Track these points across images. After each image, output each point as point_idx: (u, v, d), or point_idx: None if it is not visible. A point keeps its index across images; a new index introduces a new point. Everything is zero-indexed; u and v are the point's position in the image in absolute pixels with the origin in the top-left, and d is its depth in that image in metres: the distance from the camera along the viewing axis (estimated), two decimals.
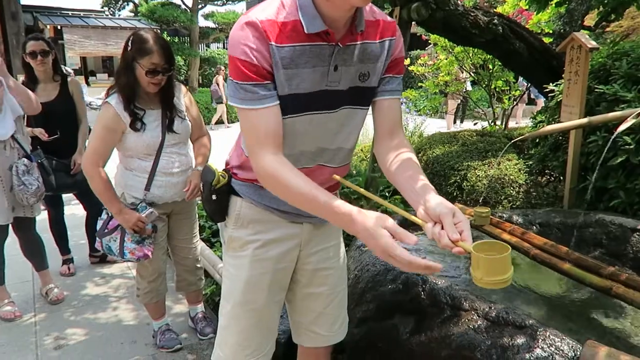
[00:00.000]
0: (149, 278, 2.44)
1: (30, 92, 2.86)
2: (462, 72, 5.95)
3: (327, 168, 1.34)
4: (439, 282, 1.62)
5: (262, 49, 1.11)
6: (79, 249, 3.75)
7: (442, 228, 1.00)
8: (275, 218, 1.38)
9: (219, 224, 1.48)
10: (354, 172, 4.30)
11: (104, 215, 2.35)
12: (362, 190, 1.24)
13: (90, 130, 3.35)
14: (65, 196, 3.51)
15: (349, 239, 2.85)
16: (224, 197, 1.40)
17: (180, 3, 14.08)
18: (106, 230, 2.31)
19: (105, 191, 2.23)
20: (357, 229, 1.03)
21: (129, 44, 2.15)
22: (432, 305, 1.60)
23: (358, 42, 1.20)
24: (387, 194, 3.53)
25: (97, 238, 2.34)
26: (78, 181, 3.33)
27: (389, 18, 1.29)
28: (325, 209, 1.08)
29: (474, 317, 1.49)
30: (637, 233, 2.08)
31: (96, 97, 10.79)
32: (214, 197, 1.39)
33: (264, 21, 1.12)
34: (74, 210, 3.89)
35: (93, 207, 3.55)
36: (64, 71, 3.44)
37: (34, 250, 3.07)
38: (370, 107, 1.34)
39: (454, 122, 10.93)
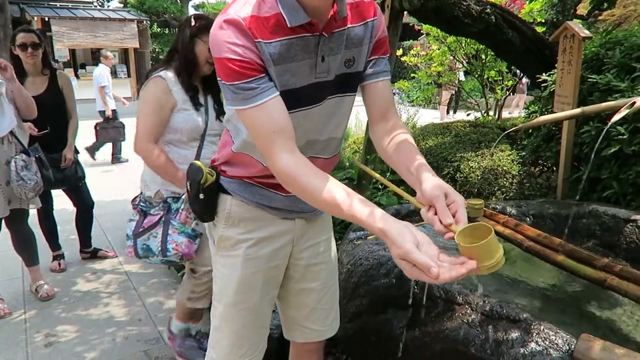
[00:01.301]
0: (206, 278, 2.17)
1: (31, 99, 2.83)
2: (456, 63, 5.93)
3: (319, 159, 1.30)
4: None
5: (248, 44, 1.06)
6: (69, 245, 3.71)
7: (436, 213, 0.98)
8: (267, 215, 1.34)
9: (206, 223, 1.43)
10: (347, 164, 4.28)
11: (134, 216, 2.15)
12: (383, 179, 1.24)
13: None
14: (53, 191, 3.46)
15: (341, 232, 2.83)
16: (212, 196, 1.35)
17: None
18: (142, 229, 2.09)
19: (167, 166, 2.06)
20: (383, 232, 0.95)
21: (193, 20, 2.07)
22: (426, 299, 1.58)
23: (342, 28, 1.16)
24: (380, 186, 3.51)
25: (131, 241, 2.12)
26: (67, 176, 3.29)
27: None
28: (346, 215, 1.02)
29: (468, 311, 1.48)
30: (630, 224, 2.08)
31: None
32: (201, 196, 1.34)
33: (247, 18, 1.07)
34: (64, 205, 3.83)
35: (82, 203, 3.53)
36: (53, 65, 3.39)
37: (25, 245, 3.04)
38: (359, 93, 1.30)
39: (447, 113, 10.92)
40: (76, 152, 3.38)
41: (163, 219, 2.09)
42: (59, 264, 3.46)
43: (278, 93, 1.10)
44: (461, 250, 0.91)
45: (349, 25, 1.18)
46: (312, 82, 1.17)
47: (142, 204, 2.17)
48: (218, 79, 1.12)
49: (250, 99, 1.08)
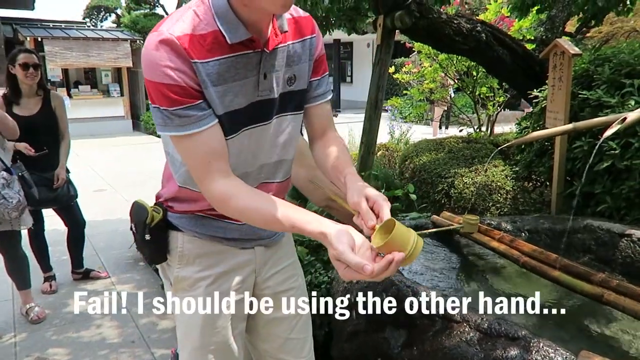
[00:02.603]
0: None
1: (9, 118, 2.81)
2: (448, 79, 5.98)
3: (271, 184, 1.25)
4: (430, 294, 1.59)
5: (184, 67, 0.99)
6: (60, 266, 3.66)
7: (361, 219, 1.00)
8: (224, 248, 1.25)
9: (159, 265, 1.32)
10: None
11: None
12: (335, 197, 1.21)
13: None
14: (44, 211, 3.42)
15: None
16: (161, 235, 1.25)
17: (163, 13, 14.04)
18: None
19: None
20: (324, 236, 0.97)
21: None
22: (423, 317, 1.57)
23: (283, 45, 1.13)
24: None
25: None
26: (59, 195, 3.27)
27: (304, 13, 1.21)
28: (287, 228, 1.03)
29: (466, 329, 1.47)
30: (625, 238, 2.08)
31: None
32: (147, 237, 1.23)
33: (181, 37, 0.99)
34: (55, 226, 3.79)
35: (73, 222, 3.49)
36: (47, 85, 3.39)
37: (18, 268, 2.99)
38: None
39: (440, 128, 10.99)
40: (67, 171, 3.36)
41: None
42: (50, 285, 3.41)
43: (216, 121, 1.05)
44: (381, 251, 0.94)
45: (289, 42, 1.15)
46: (256, 101, 1.12)
47: None
48: (150, 102, 1.06)
49: (186, 127, 1.02)
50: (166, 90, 0.99)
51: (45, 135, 3.16)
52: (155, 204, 1.30)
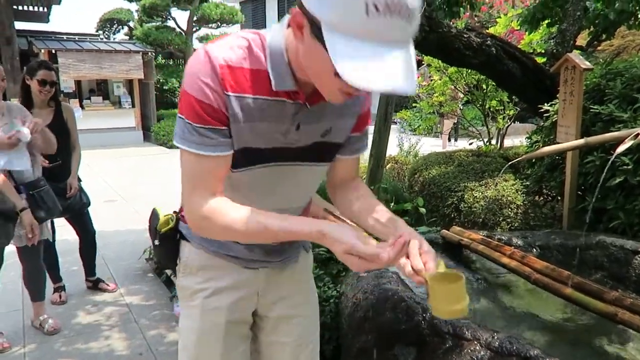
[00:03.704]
0: None
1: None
2: (458, 92, 5.98)
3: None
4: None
5: (220, 91, 0.99)
6: (70, 276, 3.68)
7: (407, 257, 0.99)
8: (227, 264, 1.24)
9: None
10: None
11: None
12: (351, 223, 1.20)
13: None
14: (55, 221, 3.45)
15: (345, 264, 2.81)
16: (169, 243, 1.28)
17: (175, 26, 14.22)
18: None
19: None
20: (322, 234, 0.97)
21: None
22: (434, 334, 1.55)
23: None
24: None
25: None
26: (72, 204, 3.30)
27: None
28: (282, 236, 1.02)
29: (477, 347, 1.45)
30: (639, 255, 2.05)
31: None
32: (156, 242, 1.28)
33: (224, 66, 0.98)
34: (64, 236, 3.82)
35: (85, 231, 3.52)
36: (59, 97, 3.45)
37: (36, 280, 3.01)
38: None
39: (449, 141, 10.96)
40: (79, 179, 3.41)
41: None
42: (60, 296, 3.42)
43: (231, 152, 1.04)
44: (430, 287, 0.94)
45: None
46: (280, 147, 1.09)
47: None
48: (178, 111, 1.05)
49: (202, 146, 1.01)
50: (197, 106, 0.99)
51: (58, 146, 3.20)
52: (173, 211, 1.32)
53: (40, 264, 3.00)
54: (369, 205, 1.18)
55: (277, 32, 1.01)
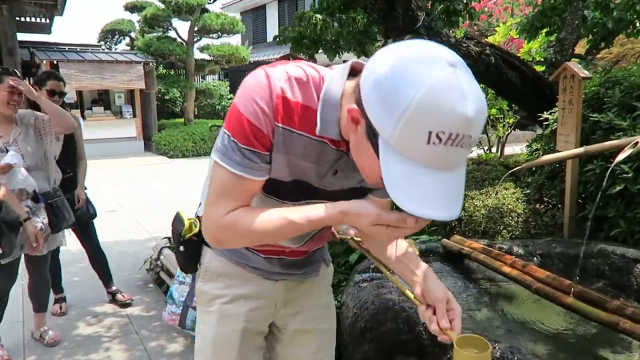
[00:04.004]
0: None
1: (61, 109, 2.84)
2: None
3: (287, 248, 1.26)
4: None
5: (272, 118, 0.97)
6: (71, 287, 3.67)
7: (434, 313, 1.01)
8: (247, 273, 1.26)
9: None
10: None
11: (185, 278, 1.94)
12: (378, 261, 1.22)
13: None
14: None
15: (346, 273, 2.79)
16: (193, 248, 1.28)
17: (176, 36, 14.28)
18: None
19: None
20: (344, 212, 0.96)
21: None
22: (435, 345, 1.54)
23: None
24: None
25: (177, 308, 1.91)
26: (80, 215, 3.31)
27: None
28: (307, 225, 1.00)
29: None
30: None
31: None
32: (181, 247, 1.28)
33: (280, 96, 0.96)
34: (67, 247, 3.81)
35: (90, 242, 3.52)
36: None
37: (41, 291, 3.01)
38: None
39: None
40: (85, 189, 3.43)
41: None
42: (60, 307, 3.42)
43: (266, 178, 1.03)
44: (456, 353, 0.95)
45: None
46: (314, 186, 1.09)
47: None
48: (224, 127, 1.03)
49: (242, 167, 0.99)
50: (248, 127, 0.97)
51: (65, 157, 3.21)
52: (196, 216, 1.31)
53: (47, 274, 3.01)
54: (394, 246, 1.19)
55: (337, 78, 0.98)
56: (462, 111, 0.78)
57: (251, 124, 0.97)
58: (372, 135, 0.85)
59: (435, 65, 0.79)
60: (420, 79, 0.78)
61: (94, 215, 3.49)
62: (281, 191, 1.08)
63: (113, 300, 3.58)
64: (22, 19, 10.77)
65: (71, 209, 3.19)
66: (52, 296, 3.42)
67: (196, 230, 1.26)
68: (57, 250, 3.40)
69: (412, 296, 1.08)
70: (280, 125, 0.98)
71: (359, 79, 0.90)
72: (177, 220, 1.30)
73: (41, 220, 2.71)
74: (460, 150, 0.81)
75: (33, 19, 11.20)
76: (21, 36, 11.14)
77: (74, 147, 3.33)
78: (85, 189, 3.45)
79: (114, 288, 3.61)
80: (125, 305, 3.51)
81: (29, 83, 2.84)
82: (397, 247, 1.19)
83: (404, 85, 0.79)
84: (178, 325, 1.89)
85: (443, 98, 0.78)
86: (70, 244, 3.57)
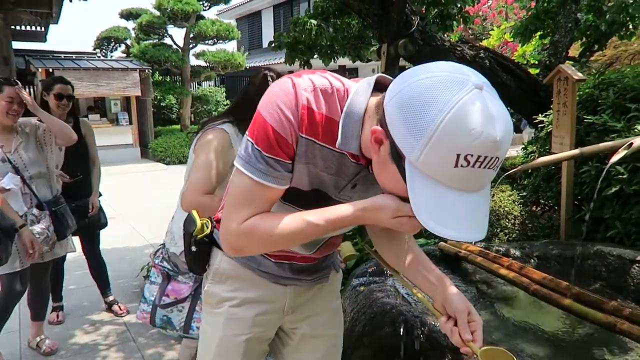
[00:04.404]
0: None
1: (64, 124, 2.83)
2: None
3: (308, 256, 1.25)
4: (439, 324, 1.57)
5: (296, 127, 0.97)
6: (68, 295, 3.65)
7: (456, 324, 1.00)
8: (257, 277, 1.25)
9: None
10: None
11: (156, 277, 1.94)
12: (396, 272, 1.21)
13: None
14: None
15: (344, 278, 2.79)
16: (204, 249, 1.28)
17: (172, 43, 14.30)
18: (168, 301, 1.88)
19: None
20: (365, 217, 0.96)
21: (269, 78, 1.85)
22: (432, 348, 1.54)
23: None
24: None
25: (148, 306, 1.91)
26: (91, 224, 3.31)
27: None
28: (327, 227, 0.99)
29: None
30: (637, 264, 2.05)
31: None
32: (193, 248, 1.27)
33: (305, 107, 0.96)
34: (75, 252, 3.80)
35: (93, 250, 3.50)
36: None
37: (40, 299, 2.98)
38: None
39: None
40: (99, 194, 3.42)
41: (193, 292, 1.87)
42: (57, 316, 3.39)
43: (287, 186, 1.03)
44: None
45: None
46: (331, 198, 1.09)
47: (166, 264, 1.93)
48: (246, 133, 1.02)
49: (265, 176, 0.98)
50: (272, 135, 0.96)
51: (77, 162, 3.22)
52: (208, 217, 1.31)
53: (48, 282, 2.99)
54: (411, 256, 1.18)
55: (361, 92, 0.98)
56: (489, 133, 0.77)
57: (276, 132, 0.96)
58: (397, 157, 0.85)
59: (461, 87, 0.79)
60: (447, 101, 0.78)
61: (105, 224, 3.47)
62: (299, 200, 1.07)
63: (109, 309, 3.55)
64: (18, 27, 10.76)
65: (83, 216, 3.19)
66: (50, 304, 3.40)
67: (208, 231, 1.26)
68: (63, 258, 3.38)
69: (432, 308, 1.08)
70: (304, 135, 0.97)
71: (383, 96, 0.89)
72: (189, 220, 1.30)
73: (47, 227, 2.70)
74: (488, 172, 0.81)
75: (28, 27, 11.18)
76: (16, 44, 11.13)
77: (86, 151, 3.31)
78: (100, 195, 3.43)
79: (111, 298, 3.57)
80: (121, 316, 3.48)
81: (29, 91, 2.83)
82: (414, 258, 1.18)
83: (430, 108, 0.78)
84: (149, 323, 1.92)
85: (470, 121, 0.77)
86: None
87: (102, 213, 3.45)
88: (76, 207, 3.13)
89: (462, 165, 0.78)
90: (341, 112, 0.97)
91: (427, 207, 0.82)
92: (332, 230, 1.01)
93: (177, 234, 1.95)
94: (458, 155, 0.78)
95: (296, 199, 1.07)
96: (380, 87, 0.97)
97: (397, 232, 1.21)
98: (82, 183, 3.23)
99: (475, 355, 0.96)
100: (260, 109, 0.99)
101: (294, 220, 1.00)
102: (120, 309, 3.51)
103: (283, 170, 0.99)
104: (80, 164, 3.25)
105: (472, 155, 0.78)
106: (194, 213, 1.30)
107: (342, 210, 0.97)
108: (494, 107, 0.80)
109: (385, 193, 0.96)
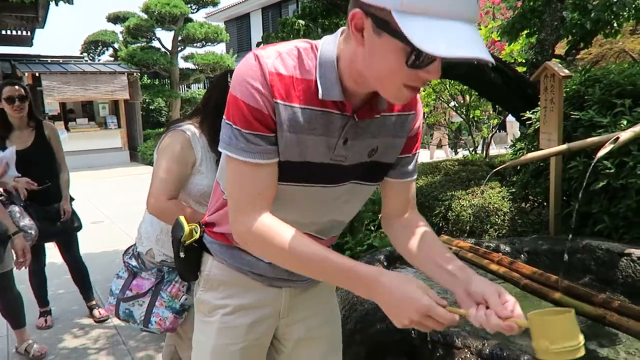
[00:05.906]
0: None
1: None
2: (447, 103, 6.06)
3: (315, 238, 1.16)
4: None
5: (269, 96, 0.96)
6: (56, 300, 3.61)
7: (487, 308, 0.92)
8: (249, 281, 1.21)
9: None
10: None
11: (123, 273, 1.99)
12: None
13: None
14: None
15: None
16: (193, 255, 1.24)
17: (160, 46, 14.23)
18: (130, 294, 1.92)
19: (191, 214, 1.76)
20: (380, 291, 0.92)
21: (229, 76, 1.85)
22: (424, 344, 1.54)
23: (375, 116, 1.05)
24: (372, 227, 3.49)
25: (114, 299, 1.96)
26: (64, 229, 3.23)
27: None
28: (339, 273, 0.96)
29: (468, 356, 1.44)
30: (625, 257, 2.07)
31: None
32: (182, 254, 1.23)
33: (273, 74, 0.96)
34: (51, 259, 3.75)
35: (72, 255, 3.43)
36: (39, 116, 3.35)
37: (12, 309, 2.92)
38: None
39: (455, 152, 10.94)
40: (71, 198, 3.32)
41: (153, 288, 1.92)
42: (46, 321, 3.35)
43: (277, 160, 1.01)
44: (534, 324, 0.83)
45: (385, 114, 1.07)
46: (326, 163, 1.05)
47: (133, 262, 1.99)
48: (225, 117, 1.01)
49: (250, 154, 0.98)
50: (246, 110, 0.96)
51: (43, 167, 3.10)
52: (197, 222, 1.27)
53: (14, 291, 2.89)
54: (425, 245, 1.12)
55: (329, 43, 1.00)
56: None
57: (249, 106, 0.96)
58: (383, 22, 0.84)
59: None
60: None
61: (79, 227, 3.39)
62: (296, 174, 1.04)
63: (90, 314, 3.47)
64: (3, 32, 10.65)
65: (54, 222, 3.13)
66: (37, 309, 3.36)
67: (197, 236, 1.23)
68: (43, 264, 3.33)
69: (462, 312, 0.94)
70: (279, 102, 0.97)
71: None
72: (177, 226, 1.25)
73: (33, 223, 2.67)
74: None
75: (14, 32, 11.07)
76: (2, 49, 11.04)
77: (51, 156, 3.19)
78: (72, 199, 3.35)
79: (93, 302, 3.51)
80: (100, 321, 3.40)
81: None
82: (429, 248, 1.12)
83: None
84: (114, 315, 1.99)
85: None
86: (55, 256, 3.52)
87: (76, 217, 3.35)
88: (45, 212, 3.05)
89: None
90: (314, 68, 0.98)
91: (431, 40, 0.81)
92: (339, 279, 0.99)
93: (144, 234, 2.01)
94: None
95: (292, 174, 1.04)
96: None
97: (402, 212, 1.20)
98: (51, 188, 3.11)
99: (521, 328, 0.85)
100: (231, 90, 0.99)
101: (313, 249, 0.98)
102: (100, 314, 3.44)
103: (265, 144, 0.99)
104: (47, 169, 3.13)
105: None
106: (182, 219, 1.27)
107: (366, 280, 0.94)
108: None
109: (385, 92, 0.94)
